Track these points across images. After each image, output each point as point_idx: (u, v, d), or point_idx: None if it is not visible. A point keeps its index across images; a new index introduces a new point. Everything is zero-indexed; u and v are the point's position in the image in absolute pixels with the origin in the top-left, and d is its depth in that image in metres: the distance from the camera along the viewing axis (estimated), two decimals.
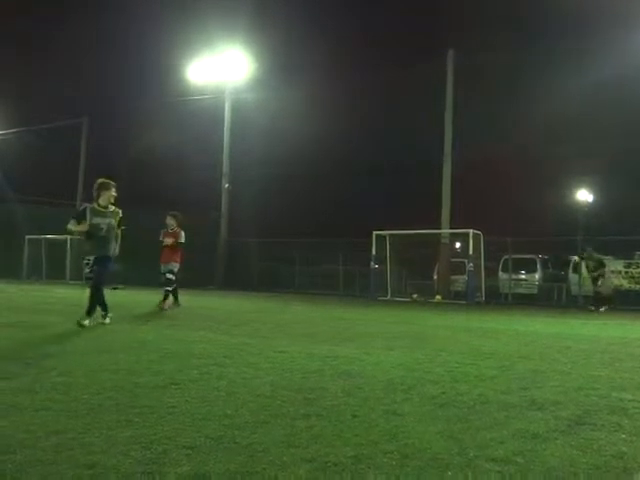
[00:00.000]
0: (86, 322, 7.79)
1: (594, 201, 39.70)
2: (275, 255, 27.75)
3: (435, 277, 25.01)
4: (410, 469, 2.59)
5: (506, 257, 23.74)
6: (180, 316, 10.41)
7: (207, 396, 3.86)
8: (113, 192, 8.25)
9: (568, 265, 23.00)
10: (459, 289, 23.93)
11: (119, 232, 8.41)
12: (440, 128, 23.89)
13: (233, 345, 6.43)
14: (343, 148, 36.16)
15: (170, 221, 11.59)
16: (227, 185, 28.41)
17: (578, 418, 3.55)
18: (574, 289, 22.01)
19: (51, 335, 6.96)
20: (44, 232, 28.84)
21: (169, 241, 11.39)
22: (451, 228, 23.44)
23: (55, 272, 28.44)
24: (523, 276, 24.75)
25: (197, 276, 27.09)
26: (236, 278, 26.65)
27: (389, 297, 22.00)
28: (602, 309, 16.78)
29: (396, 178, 35.40)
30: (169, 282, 11.48)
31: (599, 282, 17.46)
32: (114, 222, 8.24)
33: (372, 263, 22.69)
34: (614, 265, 21.64)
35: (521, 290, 23.85)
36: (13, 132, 33.53)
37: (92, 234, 8.05)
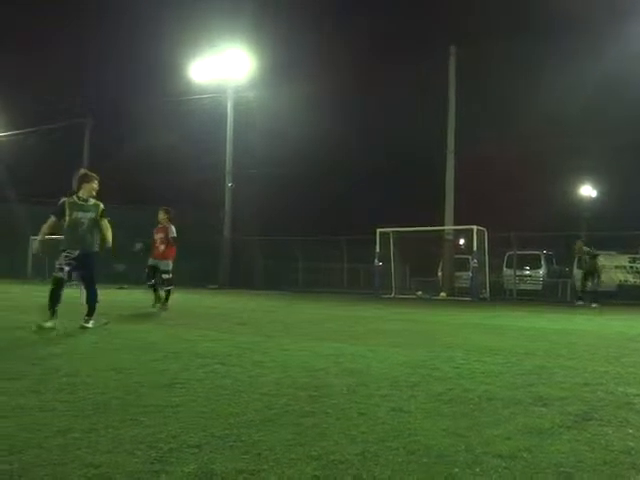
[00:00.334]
0: (90, 324, 7.71)
1: (598, 196, 39.62)
2: (279, 253, 27.75)
3: (439, 274, 25.00)
4: (417, 466, 2.58)
5: (510, 253, 23.72)
6: (184, 315, 10.42)
7: (212, 395, 3.86)
8: (95, 185, 7.84)
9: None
10: (464, 286, 23.92)
11: (106, 224, 7.94)
12: (443, 124, 23.87)
13: (237, 344, 6.43)
14: (346, 146, 36.13)
15: (161, 216, 11.32)
16: (230, 184, 28.43)
17: (585, 414, 3.54)
18: (579, 285, 21.97)
19: (55, 335, 6.97)
20: (50, 233, 28.86)
21: (161, 236, 11.13)
22: (455, 224, 23.43)
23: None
24: (527, 272, 24.72)
25: (200, 275, 27.16)
26: (239, 277, 26.66)
27: (393, 294, 21.99)
28: (594, 305, 16.47)
29: (399, 175, 35.38)
30: (169, 281, 11.25)
31: (595, 278, 17.24)
32: (96, 216, 7.80)
33: (376, 260, 22.69)
34: (619, 260, 21.60)
35: (526, 286, 23.83)
36: (16, 133, 33.57)
37: (72, 229, 7.64)
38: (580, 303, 16.93)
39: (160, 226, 11.29)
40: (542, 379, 4.62)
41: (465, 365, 5.23)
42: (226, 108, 28.58)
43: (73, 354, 5.51)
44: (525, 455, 2.75)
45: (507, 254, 24.18)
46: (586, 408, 3.68)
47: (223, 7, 31.56)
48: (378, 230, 22.62)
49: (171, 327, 8.21)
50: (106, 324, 7.98)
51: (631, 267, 21.33)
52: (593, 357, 5.98)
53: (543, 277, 24.75)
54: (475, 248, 20.77)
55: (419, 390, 4.14)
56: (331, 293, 23.52)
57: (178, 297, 16.60)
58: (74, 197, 7.73)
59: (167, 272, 11.21)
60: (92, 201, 7.86)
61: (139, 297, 14.46)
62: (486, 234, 21.23)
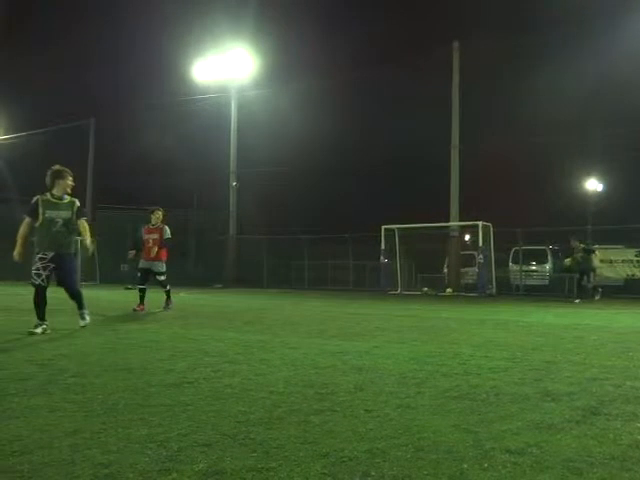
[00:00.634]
0: (86, 319, 7.72)
1: (604, 190, 39.46)
2: (284, 252, 27.76)
3: (445, 270, 24.96)
4: (425, 462, 2.59)
5: (516, 248, 23.66)
6: (190, 315, 10.45)
7: (221, 393, 3.87)
8: (69, 181, 7.39)
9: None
10: (470, 281, 23.89)
11: (84, 224, 7.59)
12: (447, 120, 23.83)
13: (245, 342, 6.45)
14: (351, 143, 36.12)
15: (157, 216, 11.09)
16: (235, 183, 28.46)
17: (593, 408, 3.53)
18: (585, 280, 21.88)
19: (63, 336, 7.00)
20: None
21: (154, 237, 10.92)
22: (460, 220, 23.39)
23: None
24: (534, 267, 24.65)
25: (206, 274, 27.22)
26: (245, 275, 26.69)
27: (399, 291, 21.99)
28: (577, 300, 16.26)
29: (404, 172, 35.34)
30: (165, 283, 11.08)
31: (592, 274, 17.01)
32: (71, 214, 7.36)
33: (381, 257, 22.68)
34: (626, 254, 21.52)
35: (532, 281, 23.76)
36: (21, 135, 33.68)
37: (45, 229, 7.20)
38: (577, 301, 16.53)
39: (153, 227, 11.05)
40: (550, 374, 4.61)
41: (472, 361, 5.23)
42: (229, 108, 28.60)
43: (81, 355, 5.53)
44: (534, 450, 2.75)
45: (513, 249, 24.11)
46: (594, 403, 3.67)
47: (226, 7, 31.59)
48: (383, 227, 22.61)
49: (178, 327, 8.23)
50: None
51: (638, 261, 21.25)
52: (601, 351, 5.96)
53: (549, 272, 24.67)
54: (481, 244, 20.75)
55: (426, 386, 4.14)
56: (337, 290, 23.52)
57: (184, 296, 16.64)
58: (47, 195, 7.29)
59: (163, 274, 11.03)
60: (67, 199, 7.41)
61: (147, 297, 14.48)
62: (492, 229, 21.19)
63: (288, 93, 29.31)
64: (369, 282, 25.37)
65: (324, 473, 2.46)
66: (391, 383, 4.25)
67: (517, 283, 23.18)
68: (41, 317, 7.24)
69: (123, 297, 15.19)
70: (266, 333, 7.43)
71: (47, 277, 7.22)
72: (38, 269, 7.16)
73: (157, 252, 10.88)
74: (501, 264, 23.43)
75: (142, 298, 10.82)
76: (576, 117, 31.08)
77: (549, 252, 24.92)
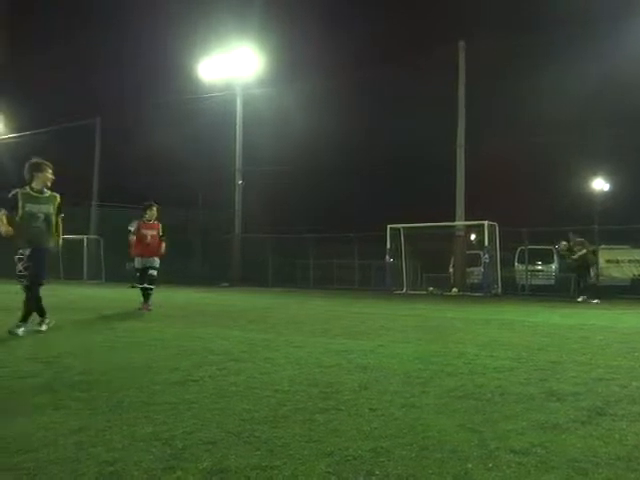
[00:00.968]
0: (20, 331, 6.69)
1: (610, 190, 39.31)
2: (289, 251, 27.76)
3: (451, 270, 24.92)
4: (430, 461, 2.59)
5: (522, 248, 23.59)
6: (195, 313, 10.46)
7: (225, 392, 3.88)
8: (49, 174, 7.06)
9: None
10: (475, 281, 23.83)
11: (58, 220, 7.22)
12: (451, 120, 23.79)
13: (250, 341, 6.45)
14: (356, 142, 36.08)
15: (154, 212, 10.92)
16: (240, 182, 28.48)
17: (598, 409, 3.52)
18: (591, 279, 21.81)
19: (68, 334, 7.03)
20: (63, 232, 29.10)
21: (153, 233, 10.75)
22: (466, 220, 23.34)
23: (72, 272, 28.72)
24: (540, 267, 24.58)
25: (212, 273, 27.27)
26: (251, 274, 26.72)
27: (405, 290, 21.96)
28: (580, 299, 16.10)
29: (409, 171, 35.29)
30: (154, 280, 10.78)
31: (591, 271, 16.83)
32: (52, 209, 7.06)
33: (387, 257, 22.66)
34: (632, 254, 21.44)
35: (538, 281, 23.69)
36: (28, 134, 33.81)
37: (26, 224, 6.84)
38: (580, 299, 16.35)
39: (151, 222, 10.86)
40: (555, 374, 4.60)
41: (477, 360, 5.22)
42: (235, 106, 28.62)
43: (86, 352, 5.55)
44: (539, 450, 2.74)
45: (519, 249, 24.05)
46: (600, 403, 3.66)
47: (231, 5, 31.61)
48: (389, 226, 22.59)
49: (183, 325, 8.24)
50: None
51: None
52: (606, 352, 5.94)
53: (555, 272, 24.59)
54: (486, 243, 20.69)
55: (431, 386, 4.13)
56: (342, 290, 23.52)
57: (190, 295, 16.68)
58: (27, 188, 6.94)
59: (157, 269, 10.81)
60: (47, 193, 7.09)
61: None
62: (497, 229, 21.14)
63: (292, 92, 29.30)
64: (374, 281, 25.34)
65: (328, 472, 2.46)
66: (396, 382, 4.24)
67: (523, 283, 23.12)
68: (41, 313, 7.14)
69: (127, 295, 15.21)
70: (271, 332, 7.44)
71: None
72: (21, 271, 6.92)
73: (156, 248, 10.75)
74: (507, 264, 23.37)
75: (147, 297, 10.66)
76: (582, 116, 30.95)
77: (555, 252, 24.83)
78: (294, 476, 2.41)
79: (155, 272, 10.75)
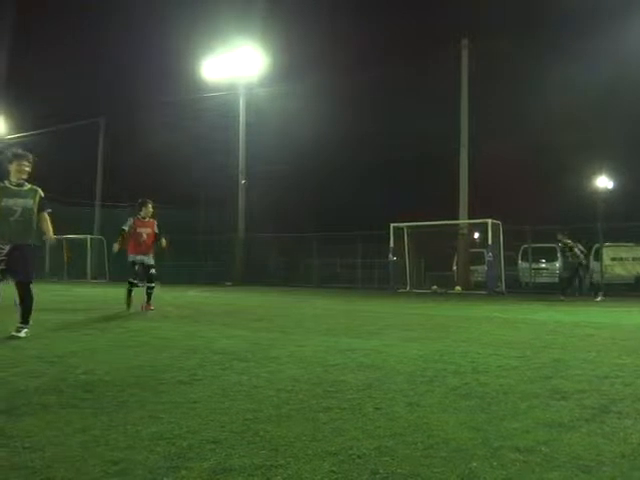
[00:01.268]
0: (23, 332, 6.53)
1: (614, 187, 39.18)
2: (293, 250, 27.78)
3: (454, 268, 24.90)
4: (434, 460, 2.58)
5: (525, 246, 23.56)
6: (199, 313, 10.48)
7: (230, 391, 3.88)
8: (24, 166, 6.70)
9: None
10: (479, 279, 23.81)
11: (46, 217, 6.83)
12: (456, 118, 23.76)
13: (254, 340, 6.46)
14: (359, 141, 36.03)
15: (150, 209, 10.78)
16: (243, 181, 28.49)
17: (603, 407, 3.51)
18: (596, 277, 21.77)
19: (73, 334, 7.04)
20: (64, 232, 29.23)
21: (149, 231, 10.62)
22: (469, 218, 23.31)
23: (76, 271, 28.81)
24: (543, 265, 24.54)
25: (216, 272, 27.32)
26: (254, 274, 26.74)
27: (408, 289, 21.95)
28: (563, 297, 15.90)
29: (413, 170, 35.25)
30: (154, 278, 10.72)
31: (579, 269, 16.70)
32: (32, 204, 6.68)
33: (390, 255, 22.65)
34: (637, 252, 21.37)
35: (542, 279, 23.65)
36: (31, 134, 33.89)
37: (1, 219, 6.52)
38: (569, 294, 16.14)
39: (147, 220, 10.71)
40: (559, 372, 4.59)
41: (481, 359, 5.21)
42: (237, 106, 28.63)
43: (91, 352, 5.56)
44: (543, 449, 2.74)
45: (522, 247, 24.02)
46: (604, 401, 3.66)
47: (235, 4, 31.60)
48: (392, 225, 22.58)
49: (187, 324, 8.26)
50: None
51: None
52: (611, 349, 5.93)
53: (559, 270, 24.54)
54: (490, 241, 20.67)
55: (435, 384, 4.13)
56: (346, 289, 23.53)
57: (194, 294, 16.70)
58: (5, 182, 6.67)
59: (155, 267, 10.74)
60: (28, 186, 6.76)
61: (160, 295, 14.55)
62: (501, 227, 21.11)
63: (296, 90, 29.29)
64: (378, 280, 25.32)
65: (333, 471, 2.46)
66: (400, 381, 4.24)
67: (526, 281, 23.09)
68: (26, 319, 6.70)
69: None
70: (275, 331, 7.44)
71: (2, 272, 6.55)
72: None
73: (150, 245, 10.66)
74: (510, 262, 23.34)
75: (149, 295, 10.60)
76: (586, 114, 30.86)
77: (559, 249, 24.78)
78: (298, 475, 2.42)
79: (154, 270, 10.69)
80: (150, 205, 10.85)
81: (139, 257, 10.57)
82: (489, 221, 20.70)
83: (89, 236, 30.14)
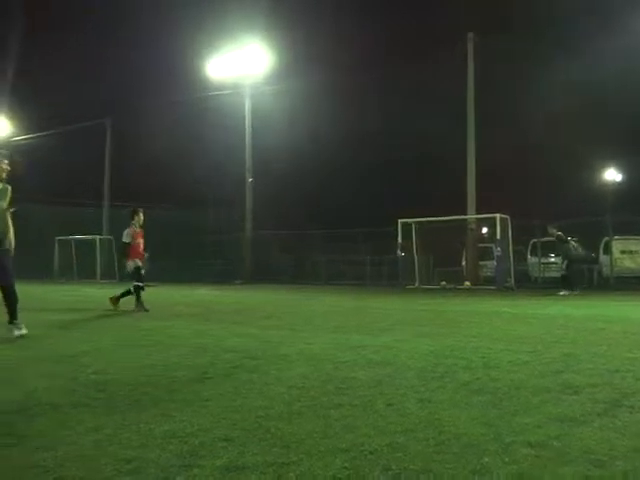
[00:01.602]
0: (16, 331, 6.40)
1: (623, 180, 38.97)
2: (301, 248, 27.79)
3: (463, 263, 24.83)
4: (446, 456, 2.58)
5: (534, 241, 23.47)
6: (210, 311, 10.51)
7: (241, 389, 3.89)
8: (3, 165, 6.45)
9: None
10: (488, 274, 23.74)
11: (8, 216, 6.49)
12: (463, 114, 23.68)
13: (264, 338, 6.47)
14: (365, 138, 36.01)
15: (139, 218, 10.90)
16: (250, 179, 28.50)
17: (615, 401, 3.50)
18: (605, 270, 21.66)
19: (84, 333, 7.08)
20: (73, 233, 29.41)
21: (142, 240, 10.94)
22: (477, 213, 23.24)
23: (85, 272, 28.94)
24: (553, 259, 24.43)
25: (225, 271, 27.39)
26: (262, 272, 26.78)
27: (417, 285, 21.91)
28: (562, 293, 15.81)
29: (421, 165, 35.20)
30: (142, 278, 10.85)
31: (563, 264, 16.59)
32: (4, 203, 6.38)
33: (398, 251, 22.61)
34: None
35: (551, 273, 23.55)
36: (38, 136, 34.04)
37: None
38: (562, 293, 15.81)
39: (139, 230, 10.95)
40: (570, 367, 4.57)
41: (492, 354, 5.20)
42: (243, 104, 28.63)
43: (102, 351, 5.59)
44: (555, 443, 2.73)
45: (531, 242, 23.93)
46: (616, 395, 3.64)
47: (240, 3, 31.58)
48: (400, 221, 22.53)
49: (198, 323, 8.28)
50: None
51: None
52: (622, 343, 5.90)
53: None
54: (498, 236, 20.59)
55: (446, 380, 4.12)
56: (355, 285, 23.52)
57: (204, 293, 16.74)
58: None
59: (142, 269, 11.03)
60: (0, 185, 6.45)
61: (165, 294, 14.60)
62: (509, 222, 21.02)
63: (302, 89, 29.27)
64: (387, 277, 25.29)
65: (345, 467, 2.46)
66: (410, 377, 4.24)
67: (536, 275, 23.00)
68: (13, 318, 6.53)
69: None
70: (285, 329, 7.45)
71: None
72: None
73: (138, 251, 10.93)
74: (520, 257, 23.26)
75: (123, 295, 10.76)
76: (594, 108, 30.70)
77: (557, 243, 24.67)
78: (310, 472, 2.42)
79: (143, 271, 10.98)
80: (141, 213, 11.06)
81: (139, 262, 10.88)
82: (497, 216, 20.62)
83: (98, 236, 30.26)
